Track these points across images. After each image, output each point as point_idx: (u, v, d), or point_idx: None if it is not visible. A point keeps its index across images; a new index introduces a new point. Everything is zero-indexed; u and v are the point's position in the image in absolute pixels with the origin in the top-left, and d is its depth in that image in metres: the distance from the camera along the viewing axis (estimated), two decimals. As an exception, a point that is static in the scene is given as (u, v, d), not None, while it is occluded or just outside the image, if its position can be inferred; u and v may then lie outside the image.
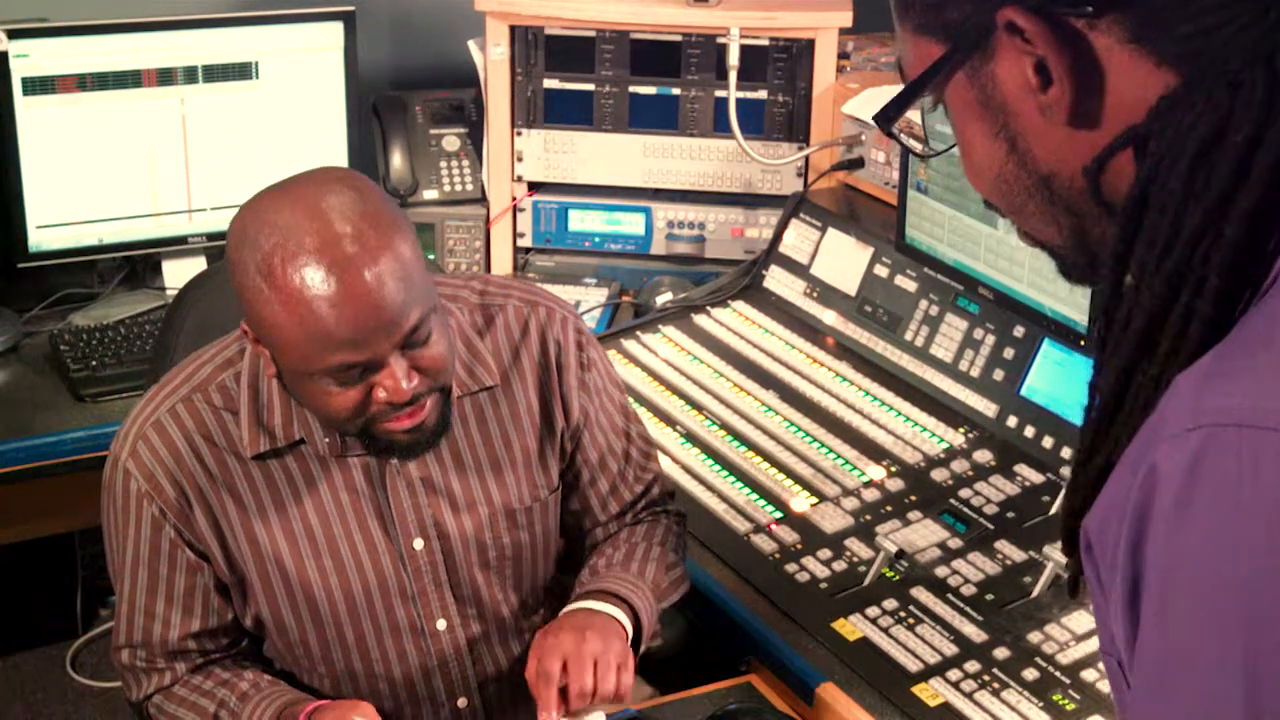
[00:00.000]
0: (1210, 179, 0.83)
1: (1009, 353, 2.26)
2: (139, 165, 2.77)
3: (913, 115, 1.03)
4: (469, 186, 3.02)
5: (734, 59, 2.71)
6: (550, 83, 2.88)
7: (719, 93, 2.82)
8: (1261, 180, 0.82)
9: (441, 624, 1.81)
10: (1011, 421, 2.22)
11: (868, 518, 2.11)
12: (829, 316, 2.55)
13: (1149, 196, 0.86)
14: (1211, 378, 0.80)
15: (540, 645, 1.70)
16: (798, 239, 2.67)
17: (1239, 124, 0.83)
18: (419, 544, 1.78)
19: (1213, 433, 0.77)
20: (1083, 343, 2.13)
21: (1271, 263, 0.84)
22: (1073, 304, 2.13)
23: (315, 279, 1.52)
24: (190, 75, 2.76)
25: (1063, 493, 0.94)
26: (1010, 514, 2.07)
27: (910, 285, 2.45)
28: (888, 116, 0.99)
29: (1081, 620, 1.87)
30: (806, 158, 2.81)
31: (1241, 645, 0.76)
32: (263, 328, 1.58)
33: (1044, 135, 0.91)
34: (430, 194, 3.01)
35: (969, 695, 1.78)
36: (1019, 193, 0.95)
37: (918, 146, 1.09)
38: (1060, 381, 2.18)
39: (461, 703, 1.86)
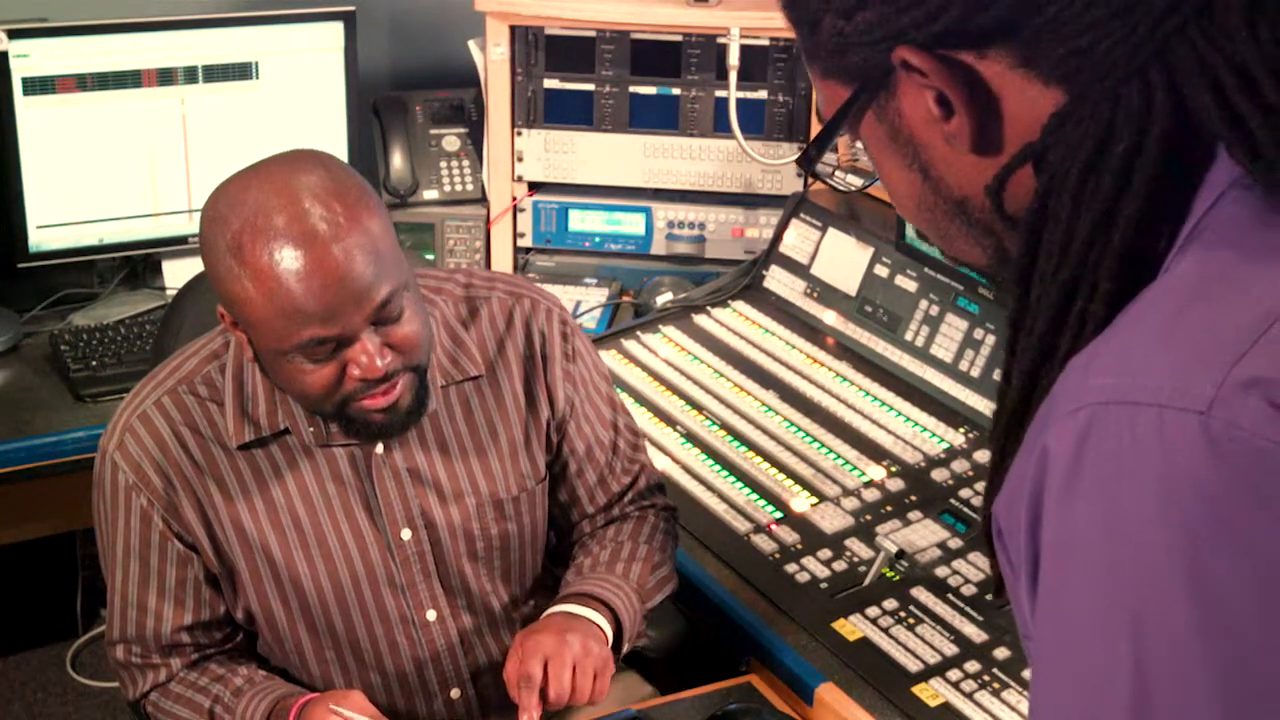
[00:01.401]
0: (1097, 189, 0.87)
1: (1009, 353, 2.26)
2: (139, 165, 2.77)
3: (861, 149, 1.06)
4: (469, 186, 3.02)
5: (734, 59, 2.72)
6: (550, 83, 2.88)
7: (719, 93, 2.82)
8: (1144, 187, 0.86)
9: (431, 615, 1.82)
10: (1012, 421, 2.22)
11: (868, 518, 2.11)
12: (829, 316, 2.55)
13: (1046, 209, 0.89)
14: (1096, 359, 0.83)
15: (520, 647, 1.71)
16: (798, 239, 2.67)
17: (1120, 135, 0.86)
18: (406, 534, 1.79)
19: (1096, 411, 0.80)
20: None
21: (1159, 262, 0.87)
22: (1073, 304, 2.13)
23: (284, 254, 1.53)
24: (190, 75, 2.76)
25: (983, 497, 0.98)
26: (1010, 514, 2.07)
27: (910, 285, 2.45)
28: (808, 158, 1.04)
29: (1082, 620, 1.87)
30: (807, 158, 2.80)
31: (1128, 618, 0.78)
32: (235, 306, 1.59)
33: (952, 163, 0.95)
34: (430, 194, 3.01)
35: (969, 695, 1.78)
36: (941, 219, 0.99)
37: (855, 184, 1.14)
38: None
39: (454, 694, 1.86)
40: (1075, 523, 0.80)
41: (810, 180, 2.78)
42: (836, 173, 1.12)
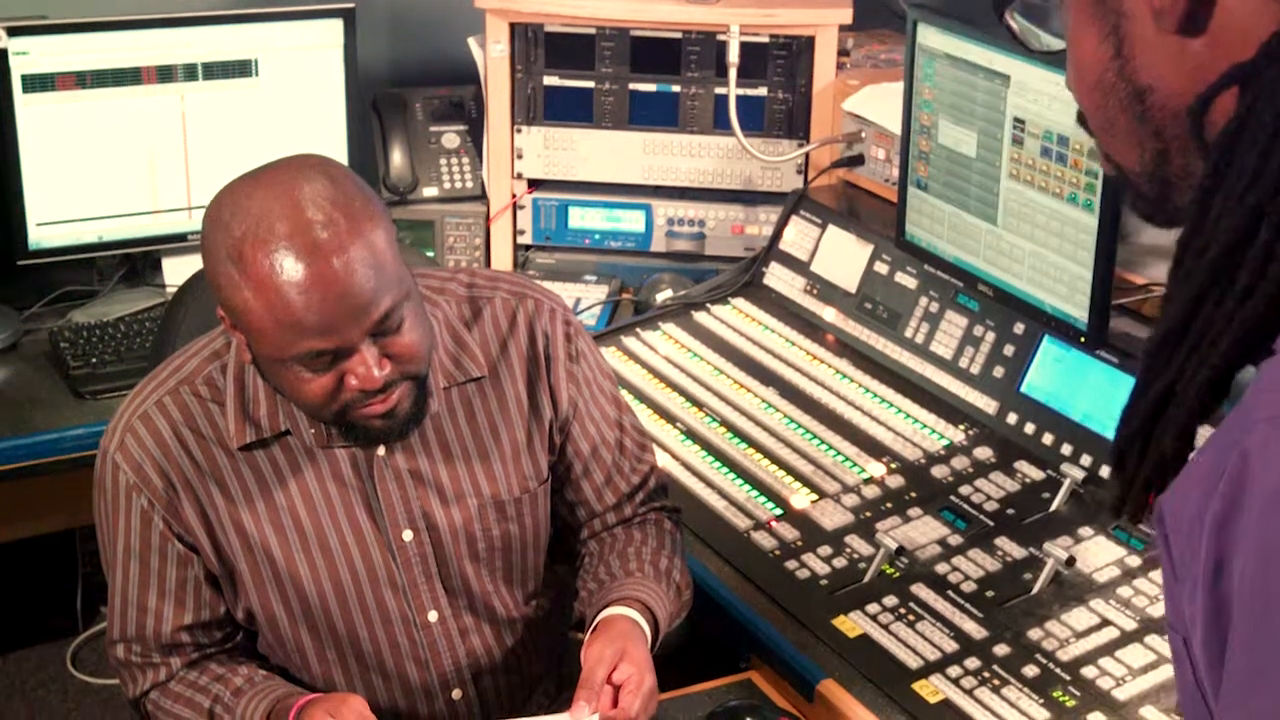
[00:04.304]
0: None
1: (1009, 349, 2.26)
2: (139, 162, 2.77)
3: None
4: (469, 184, 3.02)
5: (734, 56, 2.72)
6: (550, 80, 2.88)
7: (719, 90, 2.82)
8: None
9: (433, 615, 1.81)
10: (1011, 418, 2.22)
11: (868, 514, 2.11)
12: (829, 313, 2.55)
13: (1244, 132, 0.86)
14: None
15: (628, 653, 1.69)
16: (798, 236, 2.67)
17: None
18: (408, 535, 1.78)
19: None
20: (1082, 340, 2.13)
21: None
22: (1072, 301, 2.13)
23: (285, 265, 1.53)
24: (190, 72, 2.76)
25: (1120, 417, 0.93)
26: (1010, 510, 2.07)
27: (910, 282, 2.45)
28: (1002, 0, 1.02)
29: (1081, 616, 1.87)
30: (806, 155, 2.81)
31: None
32: (234, 313, 1.59)
33: (1152, 43, 0.91)
34: (430, 191, 3.01)
35: (969, 692, 1.78)
36: (1113, 105, 0.95)
37: (1056, 45, 1.08)
38: (1060, 378, 2.18)
39: (456, 695, 1.86)
40: None
41: (811, 177, 2.78)
42: (1025, 32, 1.08)
